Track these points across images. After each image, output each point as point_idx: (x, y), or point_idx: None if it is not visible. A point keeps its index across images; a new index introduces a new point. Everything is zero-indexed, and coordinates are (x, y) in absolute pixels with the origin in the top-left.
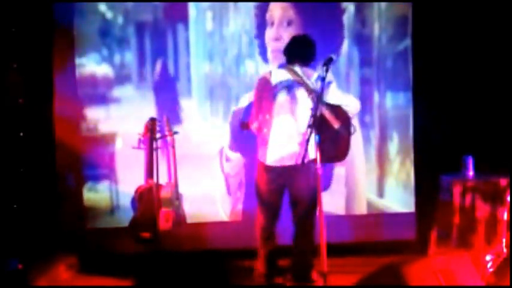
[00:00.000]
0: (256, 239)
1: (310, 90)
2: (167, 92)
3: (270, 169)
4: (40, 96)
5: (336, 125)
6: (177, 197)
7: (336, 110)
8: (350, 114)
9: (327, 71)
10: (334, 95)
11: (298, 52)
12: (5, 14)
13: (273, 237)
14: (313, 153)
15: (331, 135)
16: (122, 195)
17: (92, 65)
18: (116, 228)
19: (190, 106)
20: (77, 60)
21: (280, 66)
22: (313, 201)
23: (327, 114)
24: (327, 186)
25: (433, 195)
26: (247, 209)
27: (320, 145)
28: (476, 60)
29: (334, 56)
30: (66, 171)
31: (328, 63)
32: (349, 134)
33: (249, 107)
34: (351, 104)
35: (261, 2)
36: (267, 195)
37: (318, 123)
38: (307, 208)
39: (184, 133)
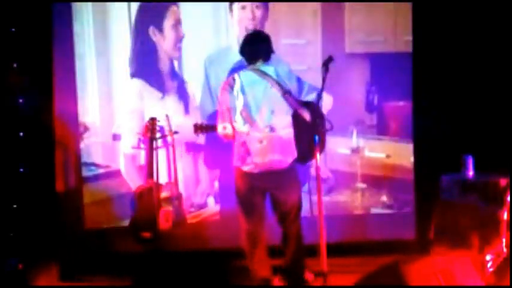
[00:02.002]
0: (243, 244)
1: (283, 90)
2: (170, 87)
3: (254, 174)
4: (40, 96)
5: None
6: (177, 196)
7: (310, 107)
8: (324, 111)
9: (326, 70)
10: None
11: (260, 50)
12: (4, 14)
13: (261, 240)
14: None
15: (306, 133)
16: (123, 193)
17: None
18: (115, 228)
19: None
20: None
21: (243, 68)
22: (300, 203)
23: (302, 112)
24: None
25: (433, 195)
26: None
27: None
28: (476, 59)
29: (333, 56)
30: (66, 170)
31: (327, 63)
32: (324, 130)
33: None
34: (325, 100)
35: (261, 1)
36: (253, 200)
37: (295, 122)
38: (295, 210)
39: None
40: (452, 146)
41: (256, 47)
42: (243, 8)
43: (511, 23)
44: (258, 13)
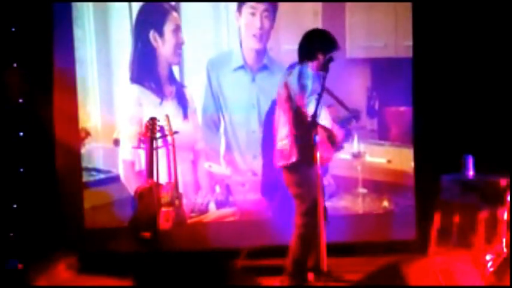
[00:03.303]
0: None
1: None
2: (168, 92)
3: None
4: (40, 96)
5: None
6: (177, 196)
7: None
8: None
9: (326, 71)
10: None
11: (302, 48)
12: (4, 13)
13: None
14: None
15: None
16: (123, 194)
17: None
18: (115, 228)
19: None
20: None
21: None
22: (306, 206)
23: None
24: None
25: (433, 195)
26: (248, 209)
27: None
28: (476, 60)
29: (333, 57)
30: (66, 171)
31: (327, 63)
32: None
33: None
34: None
35: (261, 2)
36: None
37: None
38: (299, 210)
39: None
40: (453, 150)
41: (301, 46)
42: (253, 14)
43: (511, 26)
44: (266, 23)
